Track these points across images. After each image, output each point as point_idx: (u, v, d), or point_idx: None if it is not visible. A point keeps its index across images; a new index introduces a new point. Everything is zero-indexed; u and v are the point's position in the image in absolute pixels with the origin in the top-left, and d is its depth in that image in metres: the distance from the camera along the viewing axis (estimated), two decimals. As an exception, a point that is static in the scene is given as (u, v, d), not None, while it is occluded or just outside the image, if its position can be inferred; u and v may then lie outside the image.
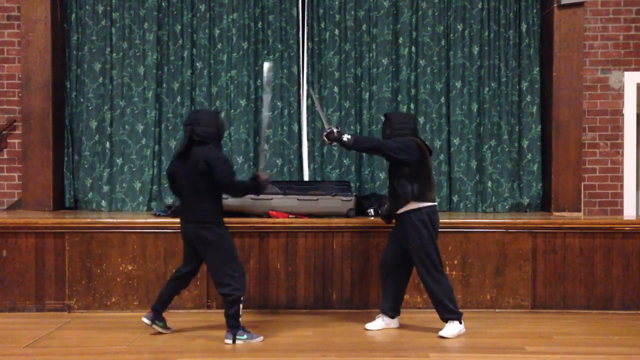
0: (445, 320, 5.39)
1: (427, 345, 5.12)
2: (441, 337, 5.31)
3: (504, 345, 5.15)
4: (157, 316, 5.36)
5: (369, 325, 5.63)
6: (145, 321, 5.32)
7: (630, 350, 5.07)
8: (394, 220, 5.62)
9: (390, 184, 5.55)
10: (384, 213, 5.79)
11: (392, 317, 5.64)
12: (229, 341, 5.15)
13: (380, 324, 5.62)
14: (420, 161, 5.36)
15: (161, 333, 5.37)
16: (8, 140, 7.44)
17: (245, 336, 5.17)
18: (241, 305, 5.13)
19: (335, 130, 5.41)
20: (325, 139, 5.44)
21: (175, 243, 6.14)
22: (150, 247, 6.14)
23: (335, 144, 5.46)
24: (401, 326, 5.65)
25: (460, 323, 5.38)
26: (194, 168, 5.10)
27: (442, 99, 7.52)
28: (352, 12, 7.51)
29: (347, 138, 5.37)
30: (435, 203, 5.48)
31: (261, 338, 5.24)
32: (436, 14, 7.50)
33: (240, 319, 5.15)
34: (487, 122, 7.48)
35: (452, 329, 5.35)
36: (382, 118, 5.80)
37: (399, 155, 5.31)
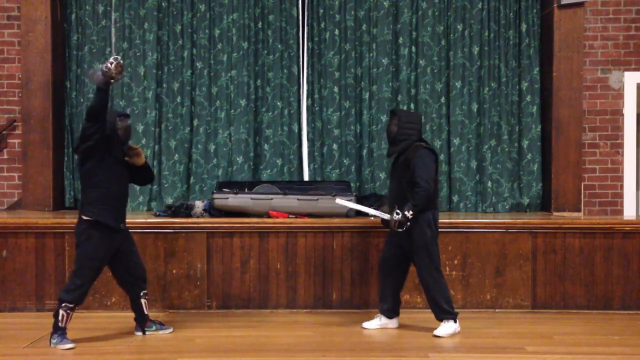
0: (440, 320, 5.40)
1: (426, 345, 5.12)
2: (435, 336, 5.31)
3: (504, 345, 5.15)
4: (142, 325, 5.35)
5: (366, 324, 5.64)
6: (138, 334, 5.34)
7: (630, 350, 5.07)
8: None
9: (394, 186, 5.52)
10: (386, 219, 5.70)
11: (390, 318, 5.65)
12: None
13: (377, 322, 5.63)
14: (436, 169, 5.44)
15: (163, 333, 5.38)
16: (8, 140, 7.44)
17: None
18: (65, 312, 4.98)
19: (397, 217, 5.27)
20: (398, 229, 5.30)
21: (175, 243, 6.14)
22: (150, 247, 6.14)
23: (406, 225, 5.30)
24: (401, 326, 5.65)
25: (456, 322, 5.38)
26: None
27: (442, 99, 7.52)
28: (352, 12, 7.52)
29: (410, 213, 5.25)
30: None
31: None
32: (436, 14, 7.50)
33: (60, 324, 5.00)
34: (487, 122, 7.48)
35: (446, 328, 5.35)
36: (390, 114, 5.73)
37: (429, 190, 5.27)
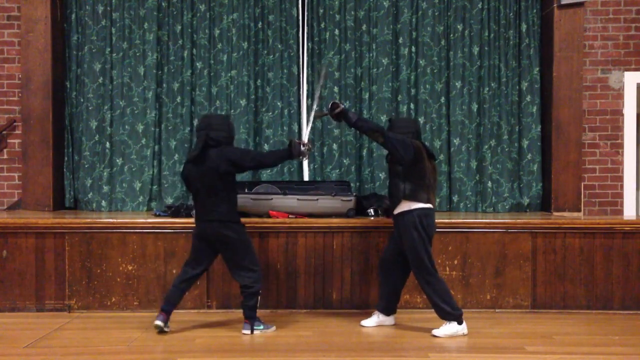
0: (443, 319, 5.40)
1: (427, 345, 5.12)
2: (433, 335, 5.31)
3: (504, 345, 5.15)
4: (168, 318, 5.40)
5: (364, 322, 5.67)
6: (159, 324, 5.35)
7: (630, 350, 5.07)
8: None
9: (391, 183, 5.55)
10: (384, 207, 5.80)
11: (387, 315, 5.66)
12: (247, 332, 5.39)
13: (374, 320, 5.66)
14: (415, 161, 5.32)
15: (165, 332, 5.38)
16: (8, 140, 7.44)
17: (262, 326, 5.43)
18: (259, 297, 5.41)
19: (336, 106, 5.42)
20: (335, 108, 5.42)
21: (175, 243, 6.14)
22: (150, 247, 6.14)
23: (335, 114, 5.42)
24: (401, 326, 5.66)
25: (460, 323, 5.37)
26: (213, 170, 5.25)
27: (442, 99, 7.52)
28: (352, 12, 7.52)
29: (352, 114, 5.42)
30: (430, 205, 5.37)
31: (274, 327, 5.50)
32: (436, 14, 7.50)
33: (257, 310, 5.42)
34: (487, 122, 7.48)
35: (446, 329, 5.34)
36: (387, 122, 5.77)
37: (395, 145, 5.26)
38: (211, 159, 5.25)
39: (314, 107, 5.70)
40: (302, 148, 5.39)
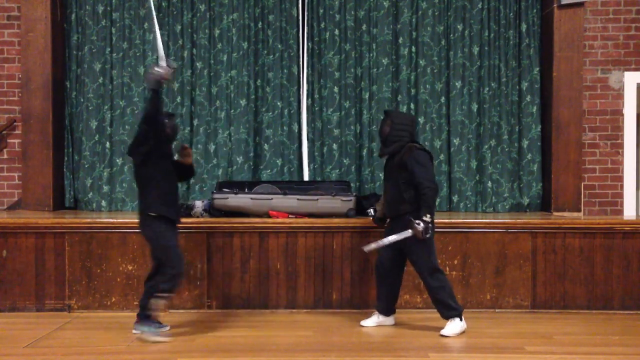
0: (447, 318, 5.41)
1: (427, 345, 5.12)
2: (442, 336, 5.32)
3: (504, 345, 5.15)
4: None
5: (364, 322, 5.68)
6: (135, 332, 5.34)
7: (630, 350, 5.07)
8: (388, 221, 5.63)
9: (390, 187, 5.52)
10: (378, 216, 5.78)
11: (387, 316, 5.67)
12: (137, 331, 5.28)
13: (374, 320, 5.68)
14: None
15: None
16: (8, 140, 7.44)
17: (145, 328, 5.21)
18: (163, 300, 5.19)
19: (420, 227, 5.24)
20: (426, 236, 5.27)
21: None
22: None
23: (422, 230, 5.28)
24: (401, 326, 5.66)
25: (462, 320, 5.39)
26: (135, 164, 5.28)
27: (442, 99, 7.52)
28: (352, 12, 7.51)
29: (428, 217, 5.26)
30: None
31: (164, 331, 5.30)
32: (436, 14, 7.50)
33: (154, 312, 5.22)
34: (487, 122, 7.48)
35: (453, 327, 5.36)
36: (383, 114, 5.76)
37: (431, 182, 5.32)
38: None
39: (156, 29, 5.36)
40: (159, 69, 4.96)
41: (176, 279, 5.19)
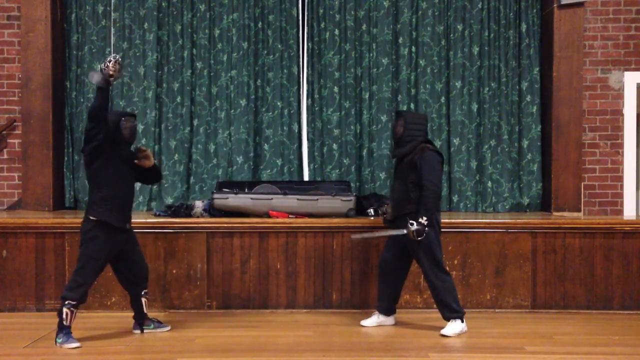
0: (448, 319, 5.40)
1: (427, 345, 5.12)
2: (443, 335, 5.32)
3: (504, 345, 5.15)
4: (141, 324, 5.39)
5: (364, 322, 5.68)
6: (136, 332, 5.37)
7: (630, 350, 5.07)
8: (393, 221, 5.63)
9: (398, 186, 5.51)
10: (388, 218, 5.71)
11: (388, 315, 5.66)
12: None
13: (375, 320, 5.67)
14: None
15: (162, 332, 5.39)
16: (8, 140, 7.44)
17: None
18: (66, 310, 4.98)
19: (414, 228, 5.25)
20: (418, 238, 5.28)
21: (175, 243, 6.14)
22: (150, 247, 6.13)
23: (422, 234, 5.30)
24: (401, 326, 5.66)
25: (463, 322, 5.39)
26: (84, 160, 5.11)
27: (442, 99, 7.52)
28: (352, 12, 7.51)
29: (424, 219, 5.26)
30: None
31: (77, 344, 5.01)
32: (436, 14, 7.50)
33: (64, 322, 5.01)
34: (487, 122, 7.48)
35: (453, 327, 5.35)
36: (395, 115, 5.73)
37: (439, 181, 5.37)
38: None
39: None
40: (104, 66, 4.79)
41: (82, 290, 4.99)
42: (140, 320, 5.38)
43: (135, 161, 5.20)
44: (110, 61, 4.79)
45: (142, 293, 5.35)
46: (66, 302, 4.97)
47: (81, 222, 5.13)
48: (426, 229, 5.24)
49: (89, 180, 5.15)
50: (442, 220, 5.86)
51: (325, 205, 6.50)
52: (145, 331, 5.36)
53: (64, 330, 4.99)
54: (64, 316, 4.97)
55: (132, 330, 5.39)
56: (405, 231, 5.28)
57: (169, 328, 5.47)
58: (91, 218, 5.01)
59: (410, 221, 5.25)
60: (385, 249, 5.65)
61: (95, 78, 4.83)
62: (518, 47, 7.52)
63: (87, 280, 5.03)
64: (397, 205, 5.50)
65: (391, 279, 5.61)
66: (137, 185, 7.28)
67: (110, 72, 4.79)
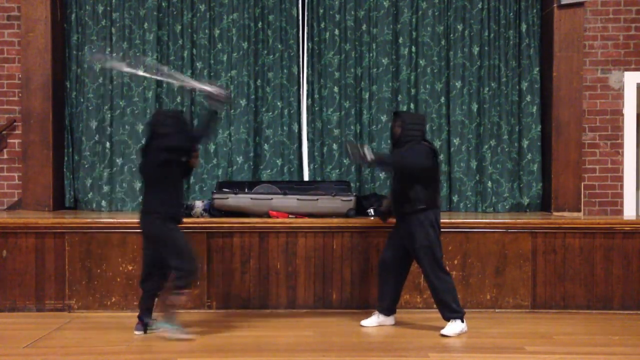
0: (448, 319, 5.40)
1: (427, 345, 5.12)
2: (443, 335, 5.32)
3: (504, 345, 5.15)
4: (144, 324, 5.39)
5: (364, 322, 5.69)
6: (138, 333, 5.36)
7: (630, 350, 5.07)
8: (391, 220, 5.63)
9: (398, 186, 5.51)
10: (382, 209, 5.77)
11: (388, 315, 5.67)
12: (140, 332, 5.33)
13: (375, 320, 5.68)
14: (434, 167, 5.40)
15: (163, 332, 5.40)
16: (8, 140, 7.44)
17: (167, 325, 5.24)
18: (181, 297, 5.19)
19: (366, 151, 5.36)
20: (360, 158, 5.37)
21: (175, 243, 6.13)
22: (150, 247, 6.13)
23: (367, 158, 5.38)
24: (401, 326, 5.66)
25: (463, 322, 5.39)
26: (151, 162, 5.23)
27: (442, 99, 7.52)
28: (352, 12, 7.51)
29: (371, 156, 5.36)
30: (439, 206, 5.54)
31: (189, 336, 5.23)
32: (436, 14, 7.50)
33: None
34: (487, 122, 7.48)
35: (454, 327, 5.36)
36: (393, 115, 5.76)
37: (414, 167, 5.32)
38: (151, 151, 5.22)
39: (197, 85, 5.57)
40: (216, 91, 5.22)
41: (193, 276, 5.27)
42: (147, 319, 5.38)
43: (188, 160, 5.39)
44: (222, 91, 5.27)
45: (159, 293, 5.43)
46: (184, 291, 5.17)
47: (141, 223, 5.24)
48: (367, 157, 5.31)
49: (152, 182, 5.24)
50: (442, 220, 5.86)
51: (325, 205, 6.50)
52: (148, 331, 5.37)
53: (174, 319, 5.20)
54: (177, 304, 5.17)
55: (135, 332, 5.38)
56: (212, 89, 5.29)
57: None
58: (160, 215, 5.17)
59: (366, 147, 5.38)
60: (385, 249, 5.66)
61: (217, 106, 5.23)
62: (518, 47, 7.52)
63: (193, 263, 5.20)
64: (396, 205, 5.51)
65: (391, 279, 5.61)
66: (137, 185, 7.34)
67: (223, 99, 5.27)
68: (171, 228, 5.22)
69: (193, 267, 5.22)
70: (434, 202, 5.43)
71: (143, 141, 5.50)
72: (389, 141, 7.25)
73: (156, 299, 5.39)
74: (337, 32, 7.51)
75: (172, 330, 5.19)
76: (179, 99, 7.47)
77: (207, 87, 5.33)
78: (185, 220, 6.21)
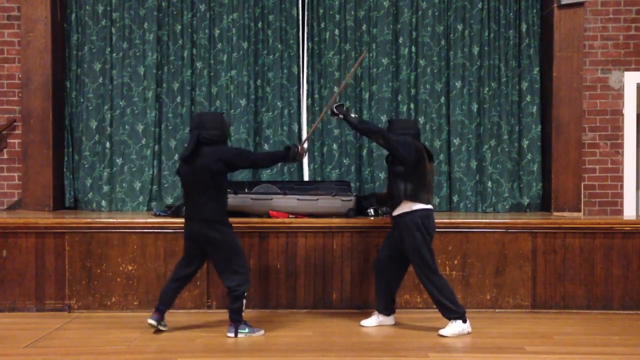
0: (449, 319, 5.40)
1: (427, 345, 5.12)
2: (441, 335, 5.32)
3: (504, 345, 5.15)
4: (162, 317, 5.42)
5: (364, 322, 5.69)
6: (152, 322, 5.38)
7: (630, 350, 5.07)
8: (389, 220, 5.64)
9: (390, 185, 5.55)
10: (378, 197, 5.83)
11: (387, 315, 5.67)
12: (232, 335, 5.28)
13: (374, 320, 5.68)
14: (416, 162, 5.35)
15: (162, 331, 5.39)
16: (8, 140, 7.44)
17: (247, 330, 5.33)
18: (244, 300, 5.30)
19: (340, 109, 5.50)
20: (335, 110, 5.50)
21: (175, 243, 6.14)
22: (150, 247, 6.14)
23: (340, 116, 5.49)
24: (401, 326, 5.66)
25: (465, 322, 5.39)
26: (205, 169, 5.21)
27: (442, 99, 7.52)
28: (352, 12, 7.52)
29: (354, 116, 5.48)
30: (430, 206, 5.45)
31: (262, 332, 5.39)
32: (436, 14, 7.50)
33: (243, 313, 5.32)
34: (487, 122, 7.48)
35: (452, 328, 5.36)
36: (387, 123, 5.80)
37: (397, 146, 5.32)
38: (204, 157, 5.23)
39: (329, 107, 5.67)
40: (299, 150, 5.45)
41: (247, 277, 5.35)
42: (164, 310, 5.44)
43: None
44: (306, 151, 5.61)
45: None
46: (245, 294, 5.28)
47: (205, 233, 5.25)
48: (347, 111, 5.47)
49: (214, 194, 5.28)
50: (442, 221, 5.88)
51: (325, 205, 6.50)
52: (159, 327, 5.43)
53: (244, 322, 5.34)
54: (244, 307, 5.31)
55: (149, 320, 5.41)
56: (335, 107, 5.50)
57: (166, 328, 5.48)
58: (226, 223, 5.34)
59: (346, 108, 5.51)
60: (382, 249, 5.67)
61: (292, 156, 5.42)
62: (518, 47, 7.52)
63: (246, 269, 5.33)
64: (392, 202, 5.52)
65: (385, 279, 5.61)
66: (137, 185, 7.34)
67: (300, 158, 5.56)
68: (230, 234, 5.36)
69: (248, 276, 5.38)
70: (416, 197, 5.35)
71: (186, 145, 5.57)
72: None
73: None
74: (337, 32, 7.51)
75: (249, 333, 5.33)
76: (179, 99, 7.47)
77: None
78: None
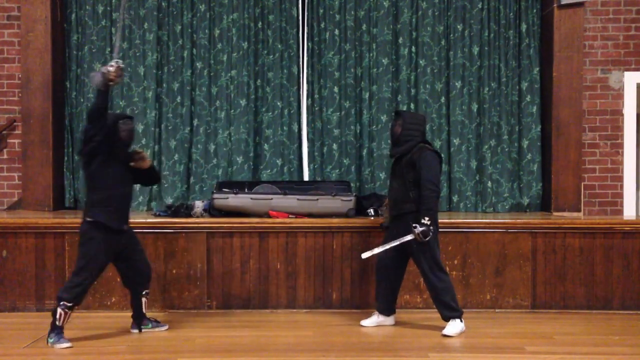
0: (447, 319, 5.40)
1: (427, 345, 5.12)
2: (445, 335, 5.32)
3: (504, 345, 5.14)
4: (139, 323, 5.41)
5: (364, 322, 5.68)
6: (134, 332, 5.39)
7: (630, 350, 5.07)
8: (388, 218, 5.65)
9: (396, 186, 5.51)
10: (385, 225, 5.72)
11: (387, 315, 5.67)
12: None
13: (375, 320, 5.67)
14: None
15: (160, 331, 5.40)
16: (8, 140, 7.44)
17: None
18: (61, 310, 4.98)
19: (419, 230, 5.24)
20: (425, 239, 5.26)
21: (174, 243, 6.14)
22: (150, 247, 6.13)
23: (420, 236, 5.26)
24: (401, 326, 5.66)
25: (461, 321, 5.39)
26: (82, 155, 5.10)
27: (442, 99, 7.52)
28: (352, 12, 7.52)
29: (424, 221, 5.25)
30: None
31: (68, 344, 4.99)
32: (436, 14, 7.50)
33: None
34: (487, 122, 7.48)
35: (454, 327, 5.36)
36: (394, 114, 5.75)
37: (438, 177, 5.42)
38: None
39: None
40: (108, 68, 4.79)
41: (78, 291, 4.97)
42: (139, 320, 5.40)
43: (132, 163, 5.19)
44: (112, 66, 4.80)
45: (143, 293, 5.38)
46: (61, 303, 4.96)
47: (80, 223, 5.14)
48: (431, 228, 5.23)
49: (86, 182, 5.16)
50: (442, 220, 5.87)
51: (325, 205, 6.50)
52: (143, 330, 5.37)
53: (55, 330, 5.00)
54: (58, 316, 4.98)
55: (130, 330, 5.39)
56: (411, 236, 5.27)
57: (166, 327, 5.48)
58: (88, 220, 5.03)
59: (414, 225, 5.24)
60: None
61: (95, 80, 4.85)
62: (518, 47, 7.52)
63: (85, 281, 5.02)
64: (396, 205, 5.50)
65: (387, 279, 5.61)
66: (137, 185, 7.32)
67: (112, 77, 4.81)
68: (92, 237, 5.01)
69: (83, 285, 5.06)
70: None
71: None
72: (389, 141, 7.27)
73: (144, 300, 5.40)
74: (337, 32, 7.51)
75: (53, 343, 4.98)
76: (179, 99, 7.47)
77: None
78: (185, 220, 6.25)
